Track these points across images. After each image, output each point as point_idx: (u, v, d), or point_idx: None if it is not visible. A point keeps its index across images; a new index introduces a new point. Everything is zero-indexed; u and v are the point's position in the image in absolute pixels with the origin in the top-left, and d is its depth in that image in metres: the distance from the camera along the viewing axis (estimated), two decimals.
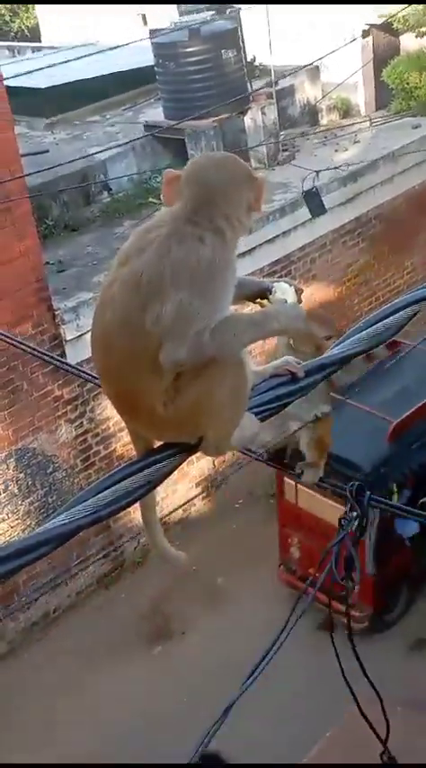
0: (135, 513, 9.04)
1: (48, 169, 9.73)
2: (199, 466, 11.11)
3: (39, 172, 9.65)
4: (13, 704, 9.08)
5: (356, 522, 2.47)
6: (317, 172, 10.85)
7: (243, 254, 10.56)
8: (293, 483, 9.01)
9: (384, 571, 9.04)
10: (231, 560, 10.40)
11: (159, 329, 2.02)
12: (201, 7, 14.33)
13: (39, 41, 21.12)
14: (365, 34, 14.73)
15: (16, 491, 9.67)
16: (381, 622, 9.27)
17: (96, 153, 11.34)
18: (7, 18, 24.52)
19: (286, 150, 13.24)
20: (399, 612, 9.47)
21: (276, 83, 13.21)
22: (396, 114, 14.32)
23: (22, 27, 24.30)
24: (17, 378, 9.39)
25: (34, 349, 4.78)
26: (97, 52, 14.55)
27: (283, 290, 2.34)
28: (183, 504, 11.17)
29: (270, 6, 13.37)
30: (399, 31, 14.88)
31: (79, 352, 9.23)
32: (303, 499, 9.19)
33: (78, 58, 14.60)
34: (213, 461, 11.05)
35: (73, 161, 10.06)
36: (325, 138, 13.86)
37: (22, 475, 9.68)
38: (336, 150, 13.36)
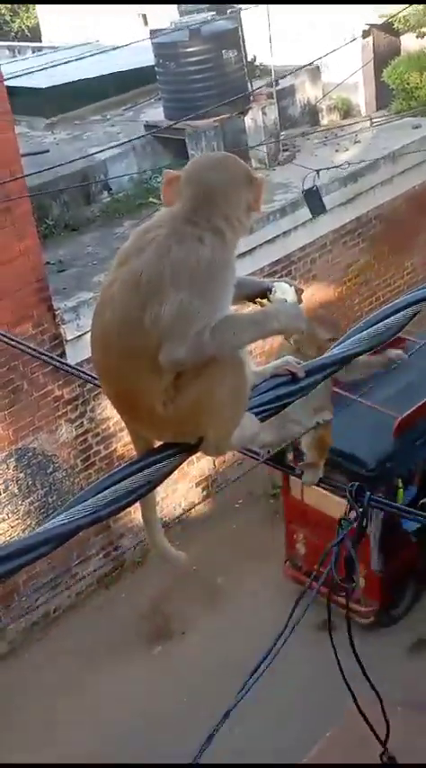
0: (135, 513, 9.04)
1: (49, 169, 9.73)
2: (199, 466, 11.11)
3: (39, 172, 9.65)
4: (13, 704, 9.08)
5: (356, 523, 2.46)
6: (318, 171, 10.85)
7: (243, 255, 10.56)
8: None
9: (390, 566, 9.08)
10: (231, 560, 10.40)
11: (159, 329, 2.02)
12: (202, 7, 14.32)
13: (40, 41, 21.13)
14: (365, 34, 14.73)
15: (16, 491, 9.67)
16: (387, 617, 9.32)
17: (96, 153, 11.34)
18: (7, 18, 24.52)
19: (286, 150, 13.25)
20: (405, 607, 9.50)
21: (276, 83, 13.21)
22: (397, 114, 14.32)
23: (23, 27, 24.30)
24: (17, 378, 9.39)
25: (34, 349, 4.78)
26: (98, 52, 14.56)
27: (283, 290, 2.34)
28: (183, 504, 11.17)
29: (271, 6, 13.36)
30: (399, 31, 14.88)
31: (79, 351, 9.23)
32: (309, 495, 9.19)
33: (79, 59, 14.61)
34: (213, 461, 11.04)
35: (73, 161, 10.05)
36: (326, 138, 13.86)
37: (22, 475, 9.67)
38: (337, 150, 13.36)
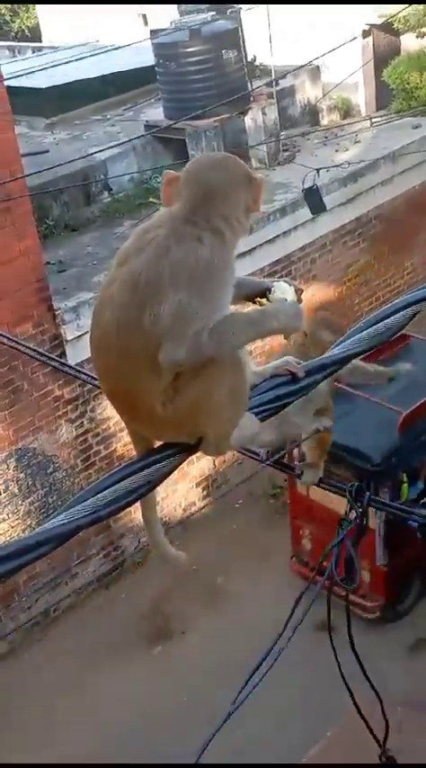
0: (135, 513, 9.04)
1: (49, 169, 9.73)
2: (199, 466, 11.11)
3: (39, 172, 9.65)
4: (13, 704, 9.08)
5: (356, 522, 2.47)
6: (318, 170, 10.86)
7: (243, 255, 10.56)
8: None
9: (395, 562, 9.10)
10: (231, 560, 10.41)
11: (158, 329, 2.02)
12: (202, 7, 14.32)
13: (40, 41, 21.13)
14: (365, 34, 14.74)
15: (16, 491, 9.67)
16: (393, 612, 9.36)
17: (96, 153, 11.34)
18: (7, 18, 24.52)
19: (286, 150, 13.25)
20: (410, 603, 9.54)
21: (276, 83, 13.22)
22: (397, 114, 14.32)
23: (23, 27, 24.30)
24: (17, 378, 9.39)
25: (34, 350, 4.79)
26: (98, 52, 14.56)
27: (283, 290, 2.34)
28: (183, 505, 11.17)
29: (271, 6, 13.36)
30: (400, 31, 14.88)
31: (80, 352, 9.24)
32: (314, 491, 9.21)
33: (79, 59, 14.62)
34: (213, 461, 11.05)
35: (73, 161, 10.06)
36: (326, 138, 13.87)
37: (22, 475, 9.68)
38: (337, 150, 13.36)
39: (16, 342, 4.93)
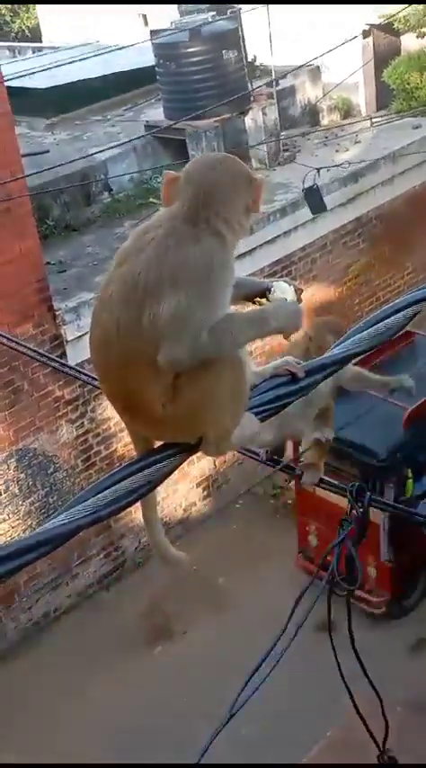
0: (136, 513, 9.04)
1: (49, 169, 9.74)
2: (199, 466, 11.11)
3: (39, 172, 9.66)
4: (13, 704, 9.08)
5: (357, 522, 2.47)
6: (318, 169, 10.85)
7: (243, 255, 10.56)
8: None
9: (401, 557, 9.13)
10: (232, 560, 10.41)
11: (157, 329, 2.03)
12: (202, 7, 14.32)
13: (40, 42, 21.12)
14: (365, 34, 14.73)
15: (17, 491, 9.67)
16: (398, 608, 9.40)
17: (96, 153, 11.34)
18: (8, 18, 24.52)
19: (286, 150, 13.25)
20: (417, 599, 9.56)
21: (276, 83, 13.22)
22: (397, 114, 14.32)
23: (23, 27, 24.30)
24: (18, 378, 9.39)
25: (34, 350, 4.79)
26: (98, 53, 14.55)
27: (282, 290, 2.34)
28: (184, 505, 11.17)
29: (271, 6, 13.36)
30: (400, 31, 14.88)
31: (80, 352, 9.23)
32: (321, 487, 9.24)
33: (79, 59, 14.60)
34: (214, 461, 11.05)
35: (73, 161, 10.06)
36: (326, 138, 13.87)
37: (22, 475, 9.68)
38: (337, 150, 13.36)
39: (16, 342, 4.94)
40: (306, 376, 2.17)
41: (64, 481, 10.05)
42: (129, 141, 12.14)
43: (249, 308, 2.29)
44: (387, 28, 14.56)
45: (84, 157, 10.76)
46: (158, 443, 2.15)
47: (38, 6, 21.88)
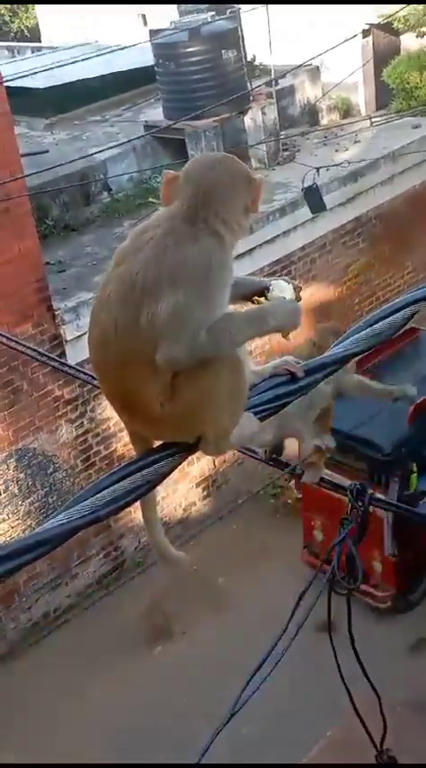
0: (135, 513, 9.04)
1: (48, 169, 9.73)
2: (199, 466, 11.11)
3: (39, 172, 9.65)
4: (13, 704, 9.08)
5: (357, 522, 2.46)
6: (318, 169, 10.85)
7: (242, 255, 10.56)
8: None
9: (406, 552, 9.14)
10: (232, 560, 10.40)
11: (155, 329, 2.02)
12: (201, 7, 14.32)
13: (39, 41, 21.11)
14: (365, 34, 14.72)
15: (16, 491, 9.67)
16: (404, 602, 9.42)
17: (96, 153, 11.34)
18: (7, 18, 24.52)
19: (286, 150, 13.24)
20: (422, 593, 9.57)
21: (276, 82, 13.21)
22: (397, 114, 14.31)
23: (22, 27, 24.30)
24: (17, 378, 9.39)
25: (35, 350, 4.79)
26: (97, 53, 14.54)
27: (281, 288, 2.33)
28: (184, 505, 11.17)
29: (271, 6, 13.36)
30: (399, 30, 14.88)
31: (79, 352, 9.23)
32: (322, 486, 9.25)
33: (78, 59, 14.59)
34: (213, 461, 11.05)
35: (73, 161, 10.05)
36: (326, 137, 13.86)
37: (22, 475, 9.67)
38: (336, 150, 13.36)
39: (16, 342, 4.93)
40: (306, 375, 2.17)
41: (63, 481, 10.05)
42: (129, 141, 12.13)
43: (248, 307, 2.29)
44: (387, 27, 14.56)
45: (83, 157, 10.76)
46: (157, 443, 2.14)
47: (37, 6, 21.87)
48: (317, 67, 14.37)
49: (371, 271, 13.22)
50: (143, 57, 14.31)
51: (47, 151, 12.66)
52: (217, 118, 12.32)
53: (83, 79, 14.67)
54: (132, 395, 2.11)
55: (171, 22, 13.84)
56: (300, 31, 14.29)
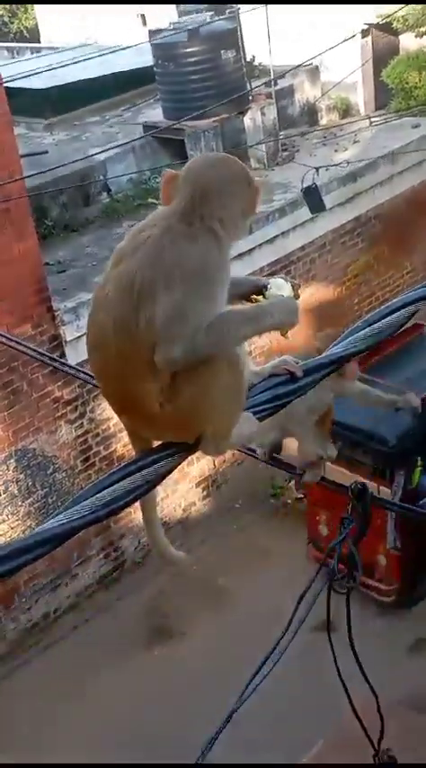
0: (135, 513, 9.04)
1: (48, 171, 9.73)
2: (199, 466, 11.11)
3: (39, 173, 9.65)
4: (12, 704, 9.08)
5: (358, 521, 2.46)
6: (317, 169, 10.85)
7: (242, 255, 10.57)
8: None
9: (411, 546, 9.13)
10: (231, 560, 10.40)
11: (153, 329, 2.02)
12: (201, 7, 14.33)
13: (38, 42, 21.12)
14: (364, 34, 14.73)
15: (16, 492, 9.67)
16: (409, 597, 9.42)
17: (96, 154, 11.34)
18: (6, 19, 24.52)
19: (285, 150, 13.25)
20: None
21: (275, 83, 13.22)
22: (396, 114, 14.32)
23: (21, 28, 24.30)
24: (17, 379, 9.38)
25: (35, 350, 4.79)
26: (97, 53, 14.55)
27: (279, 286, 2.32)
28: (183, 505, 11.17)
29: (271, 6, 13.36)
30: (398, 30, 14.88)
31: (79, 352, 9.22)
32: (331, 476, 9.25)
33: (78, 60, 14.60)
34: (213, 461, 11.05)
35: (72, 162, 10.06)
36: (325, 137, 13.86)
37: (21, 476, 9.67)
38: (336, 150, 13.36)
39: (17, 342, 4.93)
40: (305, 375, 2.17)
41: (63, 482, 10.05)
42: (128, 142, 12.13)
43: (246, 305, 2.29)
44: (386, 27, 14.56)
45: (83, 158, 10.76)
46: (157, 443, 2.14)
47: (36, 6, 21.87)
48: (316, 67, 14.38)
49: (371, 271, 13.22)
50: (142, 57, 14.32)
51: (46, 152, 12.67)
52: (216, 118, 12.33)
53: (82, 79, 14.68)
54: (131, 395, 2.10)
55: (170, 23, 13.85)
56: (299, 31, 14.30)
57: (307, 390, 2.19)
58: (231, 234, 2.16)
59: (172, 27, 13.39)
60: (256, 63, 14.99)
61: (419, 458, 9.06)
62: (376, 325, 2.17)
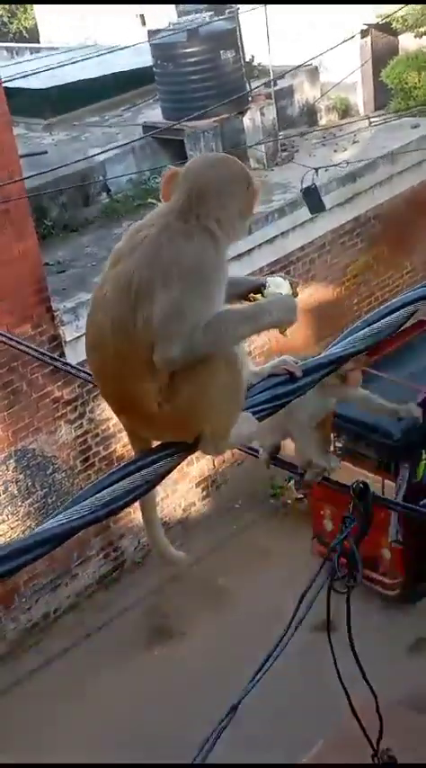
0: (135, 513, 9.05)
1: (48, 171, 9.73)
2: (199, 466, 11.11)
3: (38, 174, 9.66)
4: (12, 704, 9.08)
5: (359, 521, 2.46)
6: (316, 169, 10.86)
7: (241, 255, 10.57)
8: None
9: (416, 540, 9.12)
10: (231, 560, 10.40)
11: (151, 329, 2.02)
12: (200, 7, 14.33)
13: (38, 42, 21.12)
14: (364, 34, 14.72)
15: (16, 492, 9.67)
16: (413, 591, 9.43)
17: (95, 155, 11.35)
18: (5, 19, 24.52)
19: (285, 150, 13.25)
20: None
21: (275, 83, 13.22)
22: (395, 114, 14.32)
23: (21, 28, 24.30)
24: (17, 379, 9.39)
25: (36, 350, 4.79)
26: (96, 53, 14.56)
27: (277, 284, 2.32)
28: (183, 505, 11.17)
29: (269, 6, 13.36)
30: (398, 30, 14.88)
31: (78, 352, 9.23)
32: (337, 472, 9.24)
33: (78, 60, 14.62)
34: (213, 461, 11.05)
35: (72, 162, 10.06)
36: (324, 138, 13.86)
37: (21, 476, 9.68)
38: (335, 150, 13.36)
39: (17, 341, 4.93)
40: (304, 375, 2.17)
41: (63, 482, 10.05)
42: (128, 143, 12.13)
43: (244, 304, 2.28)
44: (385, 28, 14.56)
45: (82, 159, 10.76)
46: (156, 443, 2.14)
47: (35, 7, 21.87)
48: (316, 68, 14.38)
49: (370, 271, 13.22)
50: (141, 57, 14.32)
51: (46, 152, 12.67)
52: (216, 118, 12.33)
53: (81, 80, 14.69)
54: (129, 395, 2.10)
55: (169, 23, 13.86)
56: (299, 32, 14.30)
57: (307, 390, 2.19)
58: (228, 234, 2.16)
59: (171, 27, 13.39)
60: (255, 63, 14.98)
61: (424, 451, 9.06)
62: (375, 326, 2.18)
